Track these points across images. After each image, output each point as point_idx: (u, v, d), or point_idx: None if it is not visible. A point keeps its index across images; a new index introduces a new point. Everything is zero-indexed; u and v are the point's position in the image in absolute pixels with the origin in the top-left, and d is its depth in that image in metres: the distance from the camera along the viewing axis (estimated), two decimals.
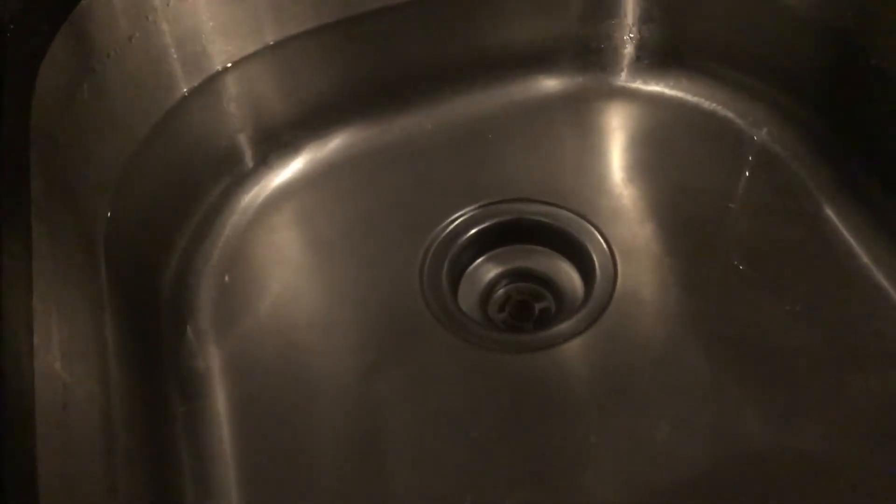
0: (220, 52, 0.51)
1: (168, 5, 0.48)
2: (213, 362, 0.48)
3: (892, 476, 0.42)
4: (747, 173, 0.54)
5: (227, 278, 0.51)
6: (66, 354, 0.34)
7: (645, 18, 0.57)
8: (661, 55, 0.58)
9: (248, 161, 0.56)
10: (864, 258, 0.49)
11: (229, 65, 0.52)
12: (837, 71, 0.51)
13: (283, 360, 0.48)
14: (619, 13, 0.57)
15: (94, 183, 0.45)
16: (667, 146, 0.56)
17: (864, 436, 0.43)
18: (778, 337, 0.47)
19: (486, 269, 0.53)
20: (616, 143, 0.57)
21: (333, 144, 0.57)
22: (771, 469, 0.42)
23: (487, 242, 0.53)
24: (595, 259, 0.51)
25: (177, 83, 0.50)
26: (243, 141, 0.55)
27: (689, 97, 0.57)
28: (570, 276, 0.52)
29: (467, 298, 0.52)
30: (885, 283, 0.48)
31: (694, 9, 0.56)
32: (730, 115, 0.56)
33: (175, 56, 0.49)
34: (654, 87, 0.58)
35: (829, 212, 0.51)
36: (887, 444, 0.43)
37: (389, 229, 0.53)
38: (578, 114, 0.58)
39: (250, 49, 0.52)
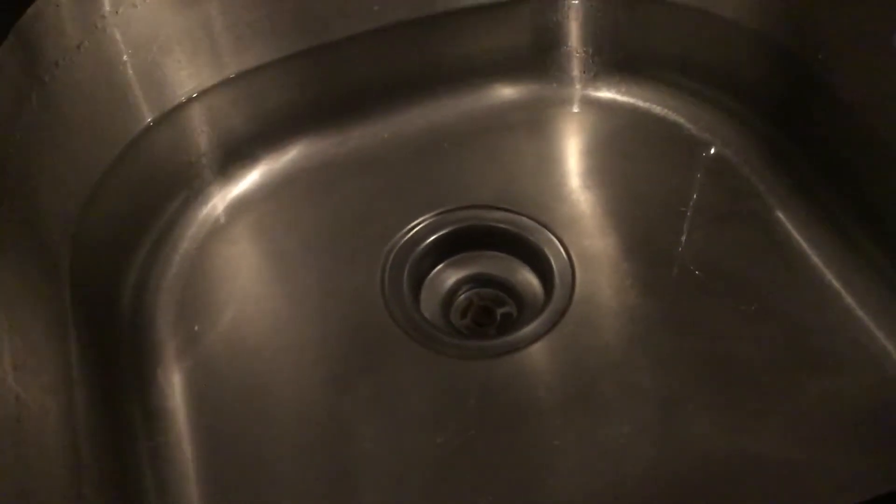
0: (174, 62, 0.51)
1: (118, 13, 0.47)
2: (174, 378, 0.47)
3: (845, 476, 0.42)
4: (699, 177, 0.55)
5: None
6: (18, 367, 0.33)
7: (594, 37, 0.58)
8: (613, 64, 0.58)
9: (206, 173, 0.55)
10: (815, 259, 0.50)
11: (184, 74, 0.51)
12: (785, 77, 0.53)
13: (245, 374, 0.48)
14: (567, 33, 0.57)
15: (52, 198, 0.44)
16: (621, 152, 0.57)
17: (818, 437, 0.43)
18: (732, 339, 0.47)
19: (447, 276, 0.53)
20: (571, 149, 0.58)
21: (291, 156, 0.57)
22: (728, 470, 0.43)
23: (446, 249, 0.53)
24: (553, 264, 0.51)
25: (130, 93, 0.49)
26: (200, 153, 0.54)
27: (640, 103, 0.58)
28: (529, 281, 0.52)
29: (429, 305, 0.51)
30: (835, 283, 0.49)
31: (642, 23, 0.57)
32: (681, 120, 0.57)
33: (128, 65, 0.49)
34: (607, 94, 0.59)
35: (780, 214, 0.52)
36: (840, 445, 0.43)
37: (349, 239, 0.53)
38: (533, 121, 0.58)
39: (205, 57, 0.52)
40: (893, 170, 0.47)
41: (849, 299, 0.48)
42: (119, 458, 0.42)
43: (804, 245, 0.51)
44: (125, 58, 0.48)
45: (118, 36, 0.47)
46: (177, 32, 0.50)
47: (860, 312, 0.48)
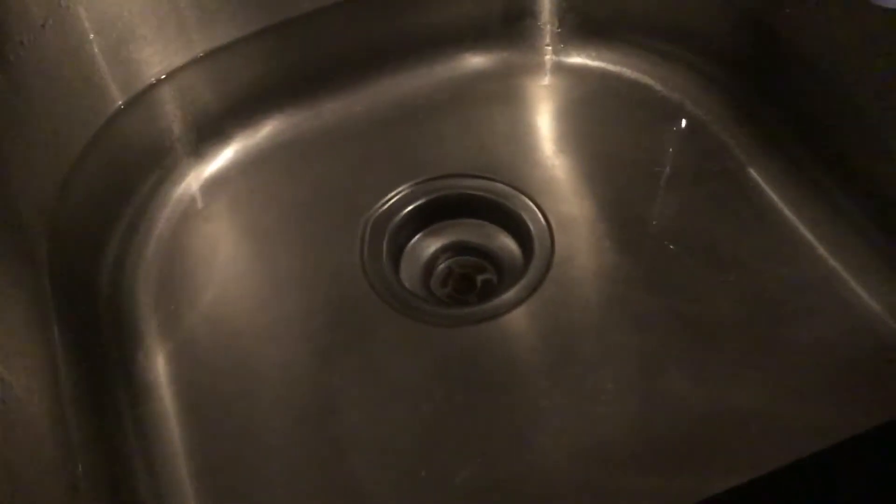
0: (141, 38, 0.50)
1: None
2: (158, 357, 0.47)
3: (822, 427, 0.43)
4: (672, 138, 0.56)
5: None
6: (0, 350, 0.33)
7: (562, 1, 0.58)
8: (582, 27, 0.58)
9: (178, 151, 0.54)
10: (788, 212, 0.51)
11: (151, 51, 0.51)
12: (751, 34, 0.53)
13: (228, 350, 0.48)
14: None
15: (25, 182, 0.44)
16: (593, 116, 0.57)
17: (795, 389, 0.44)
18: (710, 295, 0.48)
19: (426, 245, 0.53)
20: (544, 115, 0.58)
21: (264, 132, 0.56)
22: (710, 424, 0.43)
23: (424, 219, 0.53)
24: (532, 229, 0.51)
25: (98, 72, 0.49)
26: (172, 130, 0.54)
27: (611, 67, 0.58)
28: (508, 247, 0.53)
29: (409, 276, 0.52)
30: (808, 235, 0.50)
31: None
32: (651, 82, 0.57)
33: (94, 44, 0.48)
34: (577, 59, 0.59)
35: (752, 170, 0.53)
36: (817, 396, 0.44)
37: (326, 212, 0.53)
38: (506, 88, 0.58)
39: (173, 33, 0.51)
40: (859, 120, 0.47)
41: (821, 250, 0.49)
42: (106, 436, 0.42)
43: (776, 199, 0.51)
44: (91, 36, 0.48)
45: (83, 13, 0.47)
46: (142, 9, 0.49)
47: (833, 262, 0.48)
